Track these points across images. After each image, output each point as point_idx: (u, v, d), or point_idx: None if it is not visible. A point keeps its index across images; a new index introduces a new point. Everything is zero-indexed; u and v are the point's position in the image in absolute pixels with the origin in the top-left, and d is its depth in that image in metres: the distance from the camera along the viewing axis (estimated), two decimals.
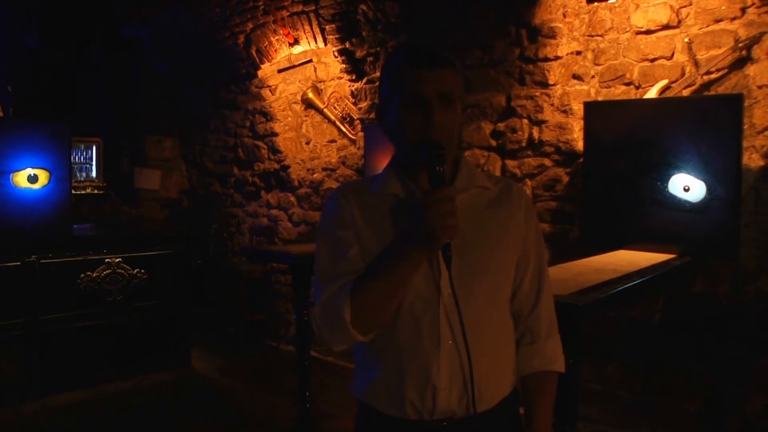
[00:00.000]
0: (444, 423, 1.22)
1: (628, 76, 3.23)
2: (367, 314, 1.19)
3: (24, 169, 3.96)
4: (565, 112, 3.47)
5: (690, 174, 2.78)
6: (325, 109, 4.86)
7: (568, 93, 3.45)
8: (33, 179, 3.99)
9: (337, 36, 4.52)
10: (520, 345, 1.33)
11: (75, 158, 5.41)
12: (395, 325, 1.23)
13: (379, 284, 1.19)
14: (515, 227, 1.30)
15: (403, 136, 1.25)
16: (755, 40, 2.82)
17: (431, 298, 1.22)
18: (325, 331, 1.23)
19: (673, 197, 2.83)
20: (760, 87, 2.83)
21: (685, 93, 3.00)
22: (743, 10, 2.87)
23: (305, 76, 5.02)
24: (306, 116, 5.09)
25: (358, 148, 4.67)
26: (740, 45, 2.84)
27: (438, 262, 1.20)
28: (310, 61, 4.93)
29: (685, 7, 3.03)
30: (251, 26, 5.02)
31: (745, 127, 2.81)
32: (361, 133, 4.58)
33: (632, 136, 2.94)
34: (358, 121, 4.66)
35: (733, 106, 2.70)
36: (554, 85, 3.50)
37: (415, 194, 1.25)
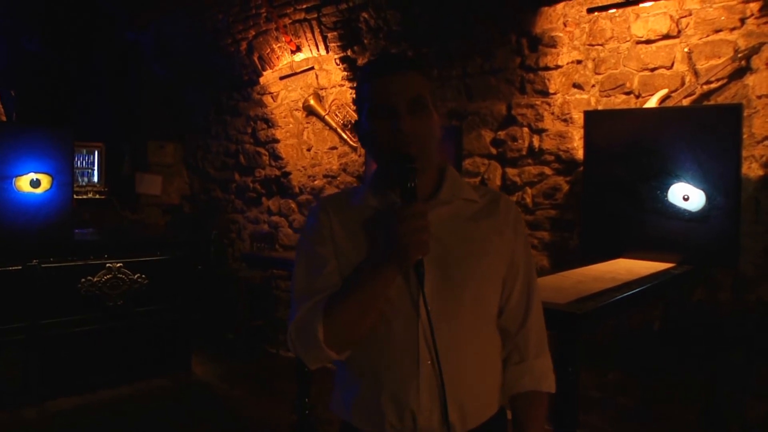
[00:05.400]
0: None
1: (628, 85, 3.25)
2: (341, 332, 1.16)
3: (27, 173, 3.98)
4: (565, 120, 3.48)
5: (689, 183, 2.79)
6: (326, 116, 4.88)
7: (568, 102, 3.47)
8: (35, 184, 4.00)
9: (338, 44, 4.54)
10: (509, 363, 1.28)
11: (77, 163, 5.42)
12: (373, 343, 1.19)
13: (351, 302, 1.15)
14: (501, 241, 1.25)
15: (375, 149, 1.22)
16: (754, 50, 2.83)
17: (409, 316, 1.17)
18: (300, 350, 1.21)
19: (673, 206, 2.83)
20: (759, 97, 2.85)
21: (685, 102, 3.02)
22: (742, 20, 2.89)
23: (307, 83, 5.04)
24: (307, 123, 5.11)
25: (359, 156, 4.68)
26: (740, 55, 2.86)
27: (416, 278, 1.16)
28: (312, 68, 4.96)
29: (685, 17, 3.06)
30: (254, 33, 5.05)
31: (745, 136, 2.82)
32: None
33: (632, 145, 2.95)
34: None
35: (733, 115, 2.71)
36: (555, 93, 3.52)
37: (394, 207, 1.19)
